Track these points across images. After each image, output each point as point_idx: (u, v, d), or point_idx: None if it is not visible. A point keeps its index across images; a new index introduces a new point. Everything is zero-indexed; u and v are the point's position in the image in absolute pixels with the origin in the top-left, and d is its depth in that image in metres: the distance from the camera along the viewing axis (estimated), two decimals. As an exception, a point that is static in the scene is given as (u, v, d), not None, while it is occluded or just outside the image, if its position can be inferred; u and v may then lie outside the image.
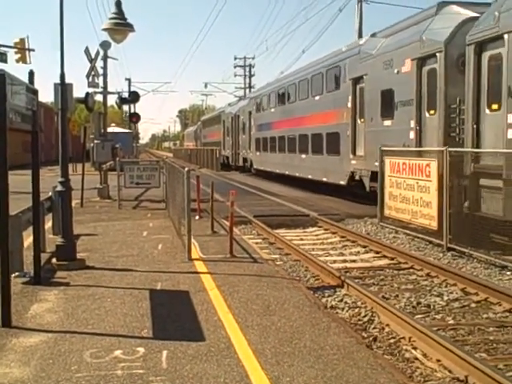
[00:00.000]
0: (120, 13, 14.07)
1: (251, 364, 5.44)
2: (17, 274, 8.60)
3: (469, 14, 13.56)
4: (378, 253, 12.04)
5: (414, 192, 13.53)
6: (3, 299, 6.55)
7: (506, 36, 11.28)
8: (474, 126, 12.45)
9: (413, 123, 15.08)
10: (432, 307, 8.14)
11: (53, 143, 63.99)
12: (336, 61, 21.11)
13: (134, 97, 27.32)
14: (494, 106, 11.93)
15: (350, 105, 19.33)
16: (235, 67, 66.42)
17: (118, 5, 14.02)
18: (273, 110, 30.71)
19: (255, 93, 38.99)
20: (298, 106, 25.83)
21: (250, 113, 36.41)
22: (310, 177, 24.11)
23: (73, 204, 10.97)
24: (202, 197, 16.12)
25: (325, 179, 22.19)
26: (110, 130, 31.69)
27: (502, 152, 11.26)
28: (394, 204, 14.61)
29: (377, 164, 15.92)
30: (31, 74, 29.51)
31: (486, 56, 12.14)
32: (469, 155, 12.17)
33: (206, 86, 70.70)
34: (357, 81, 18.87)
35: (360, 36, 28.55)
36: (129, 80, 55.48)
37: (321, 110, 22.68)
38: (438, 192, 12.44)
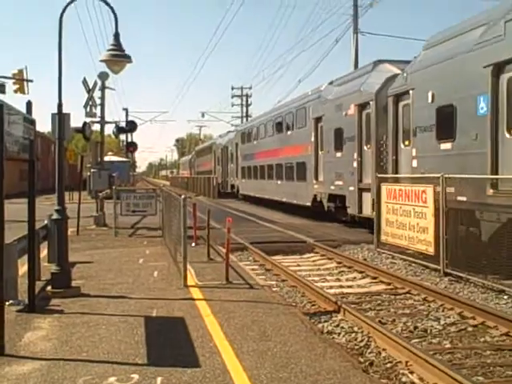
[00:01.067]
0: (118, 44, 14.24)
1: (246, 390, 5.38)
2: (11, 301, 8.55)
3: (394, 71, 17.23)
4: (374, 278, 12.01)
5: (410, 218, 13.55)
6: (-3, 327, 6.51)
7: (411, 92, 14.97)
8: (393, 158, 16.43)
9: (355, 155, 18.72)
10: (429, 331, 8.10)
11: (50, 171, 64.07)
12: (303, 102, 25.00)
13: (131, 126, 27.55)
14: (406, 143, 15.76)
15: (313, 139, 23.26)
16: (232, 97, 67.12)
17: (116, 37, 14.18)
18: (255, 142, 34.98)
19: (241, 126, 43.59)
20: (274, 140, 29.89)
21: (237, 144, 40.32)
22: (284, 199, 27.71)
23: (69, 232, 10.95)
24: (198, 224, 16.11)
25: (295, 201, 25.80)
26: (106, 158, 31.84)
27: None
28: (390, 230, 14.61)
29: (332, 187, 20.67)
30: (29, 104, 29.71)
31: (400, 105, 16.10)
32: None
33: (203, 115, 71.54)
34: (318, 120, 22.72)
35: (356, 66, 29.09)
36: (126, 110, 55.75)
37: (292, 144, 26.51)
38: (434, 218, 12.47)
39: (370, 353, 7.18)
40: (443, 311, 9.19)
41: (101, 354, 6.50)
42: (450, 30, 13.93)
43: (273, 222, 23.15)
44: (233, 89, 67.07)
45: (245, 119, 62.71)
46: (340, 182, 20.01)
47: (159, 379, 5.67)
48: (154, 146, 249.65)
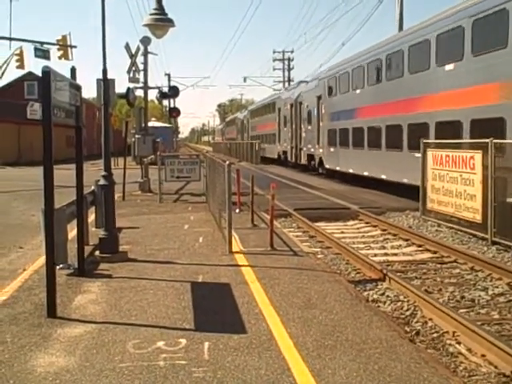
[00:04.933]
0: (160, 8, 14.19)
1: (292, 357, 5.42)
2: (61, 265, 8.77)
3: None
4: (420, 246, 11.87)
5: (457, 185, 13.29)
6: (48, 290, 6.69)
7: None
8: None
9: None
10: (476, 301, 7.99)
11: (94, 138, 64.96)
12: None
13: (173, 92, 27.57)
14: None
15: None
16: (274, 61, 66.21)
17: (159, 1, 14.16)
18: (357, 91, 23.35)
19: (325, 72, 29.24)
20: (400, 85, 19.04)
21: (319, 97, 29.00)
22: (405, 181, 17.99)
23: (115, 198, 11.10)
24: (242, 190, 16.15)
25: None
26: (150, 124, 32.00)
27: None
28: (436, 197, 14.38)
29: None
30: (73, 70, 29.98)
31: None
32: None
33: (245, 79, 71.12)
34: None
35: (401, 27, 27.84)
36: (168, 75, 55.93)
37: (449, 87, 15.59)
38: (482, 185, 12.19)
39: (416, 322, 7.13)
40: (491, 281, 9.04)
41: (149, 319, 6.63)
42: None
43: (315, 187, 23.03)
44: (274, 52, 66.11)
45: (287, 84, 62.06)
46: None
47: (206, 344, 5.75)
48: (196, 112, 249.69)
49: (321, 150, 29.02)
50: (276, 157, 41.21)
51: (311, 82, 32.17)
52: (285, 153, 38.49)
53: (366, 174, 22.19)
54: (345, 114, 24.77)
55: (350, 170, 24.07)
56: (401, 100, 18.90)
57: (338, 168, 25.99)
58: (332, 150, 26.75)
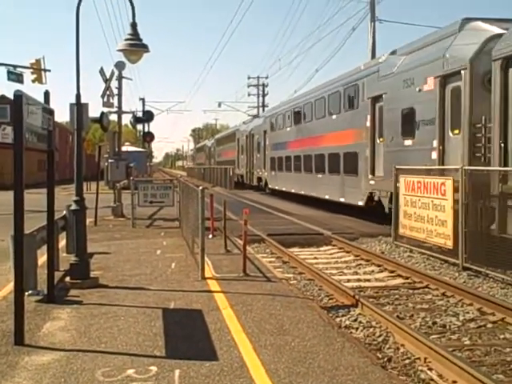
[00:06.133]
0: (135, 34, 14.25)
1: (264, 384, 5.37)
2: (30, 292, 8.61)
3: (493, 30, 13.24)
4: (392, 272, 11.93)
5: (428, 211, 13.44)
6: (16, 317, 6.55)
7: None
8: (502, 145, 11.94)
9: (435, 143, 14.76)
10: (448, 327, 8.03)
11: (67, 162, 64.52)
12: (354, 79, 20.73)
13: (148, 116, 27.60)
14: None
15: (368, 124, 19.07)
16: (249, 86, 66.76)
17: (134, 26, 14.18)
18: (288, 129, 30.37)
19: (270, 111, 37.91)
20: (314, 126, 25.69)
21: (265, 132, 35.99)
22: (326, 197, 23.78)
23: (87, 222, 10.99)
24: (215, 215, 16.12)
25: (342, 200, 21.96)
26: (124, 148, 31.93)
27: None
28: (408, 223, 14.51)
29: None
30: (47, 94, 29.80)
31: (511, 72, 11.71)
32: (496, 174, 11.78)
33: (219, 105, 71.05)
34: (375, 100, 18.66)
35: (373, 55, 28.58)
36: (143, 99, 55.83)
37: (338, 130, 22.60)
38: (453, 211, 12.35)
39: (388, 348, 7.13)
40: (462, 306, 9.11)
41: (119, 346, 6.53)
42: None
43: (289, 213, 23.08)
44: (249, 78, 66.75)
45: (261, 109, 62.49)
46: None
47: (177, 372, 5.68)
48: (170, 136, 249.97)
49: (266, 174, 36.24)
50: (235, 179, 45.75)
51: (260, 119, 40.68)
52: (242, 176, 44.95)
53: (293, 190, 29.21)
54: (280, 145, 31.94)
55: (283, 188, 31.18)
56: (311, 137, 26.13)
57: (276, 187, 33.09)
58: (273, 173, 34.03)
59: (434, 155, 14.71)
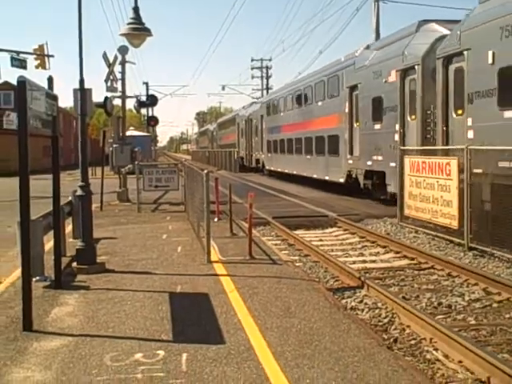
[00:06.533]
0: (137, 18, 14.20)
1: (271, 366, 5.42)
2: (38, 278, 8.68)
3: (442, 31, 15.59)
4: (398, 253, 11.96)
5: (433, 191, 13.42)
6: (24, 303, 6.61)
7: (465, 52, 13.29)
8: (444, 128, 14.69)
9: (397, 127, 17.40)
10: (453, 308, 8.06)
11: (72, 147, 64.60)
12: (336, 70, 23.48)
13: (152, 100, 27.54)
14: (459, 112, 14.01)
15: (347, 110, 21.78)
16: (252, 69, 66.51)
17: (136, 10, 14.16)
18: (281, 114, 33.14)
19: (266, 97, 41.46)
20: (303, 111, 28.45)
21: (262, 116, 38.36)
22: (314, 176, 26.45)
23: (92, 208, 11.03)
24: (220, 198, 16.14)
25: (327, 178, 24.63)
26: (128, 133, 31.88)
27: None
28: (413, 203, 14.50)
29: (370, 163, 19.25)
30: (50, 79, 29.73)
31: (451, 69, 14.30)
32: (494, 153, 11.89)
33: (223, 88, 70.92)
34: (352, 89, 21.21)
35: (377, 36, 28.42)
36: (146, 84, 55.54)
37: (323, 115, 25.30)
38: (458, 191, 12.33)
39: (394, 329, 7.17)
40: (467, 287, 9.13)
41: (127, 331, 6.58)
42: None
43: (294, 195, 23.10)
44: (252, 60, 66.49)
45: (265, 92, 62.27)
46: (379, 157, 18.46)
47: (184, 355, 5.73)
48: (174, 120, 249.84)
49: (263, 156, 38.80)
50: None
51: (258, 104, 43.00)
52: (242, 158, 46.89)
53: (286, 171, 31.89)
54: (275, 129, 34.46)
55: (278, 169, 33.81)
56: (301, 122, 28.46)
57: (272, 168, 35.87)
58: (269, 155, 36.60)
59: (397, 137, 17.27)
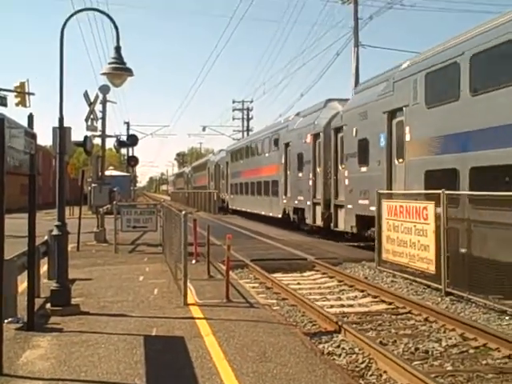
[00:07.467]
0: (119, 57, 14.29)
1: (246, 413, 5.32)
2: (10, 319, 8.49)
3: (339, 108, 22.04)
4: (375, 297, 11.94)
5: (411, 235, 13.50)
6: (-5, 346, 6.45)
7: (344, 127, 20.45)
8: (334, 177, 21.76)
9: (311, 175, 23.94)
10: (430, 353, 8.03)
11: (51, 186, 63.98)
12: (277, 129, 30.62)
13: (132, 140, 27.53)
14: (342, 166, 20.95)
15: (283, 161, 28.61)
16: (233, 110, 67.21)
17: (118, 50, 14.25)
18: (241, 161, 40.16)
19: (230, 147, 48.36)
20: (255, 160, 35.62)
21: (227, 163, 45.21)
22: (262, 212, 32.62)
23: (69, 248, 10.90)
24: (198, 240, 16.06)
25: (270, 214, 30.90)
26: (107, 173, 31.78)
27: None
28: (391, 247, 14.56)
29: (296, 202, 26.07)
30: (30, 117, 29.74)
31: (338, 137, 21.44)
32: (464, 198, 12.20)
33: (204, 129, 71.18)
34: (287, 145, 28.05)
35: (357, 79, 29.23)
36: (127, 123, 55.93)
37: (267, 164, 32.05)
38: (435, 235, 12.42)
39: (371, 375, 7.12)
40: (445, 332, 9.13)
41: (99, 374, 6.45)
42: (370, 81, 19.15)
43: (271, 237, 23.08)
44: (234, 102, 67.30)
45: (245, 133, 62.80)
46: (301, 198, 25.20)
47: (158, 401, 5.61)
48: (155, 161, 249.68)
49: (227, 197, 45.17)
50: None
51: (224, 151, 49.57)
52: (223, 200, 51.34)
53: (243, 209, 38.22)
54: (236, 174, 41.37)
55: (238, 208, 40.17)
56: (254, 169, 35.14)
57: (234, 207, 42.25)
58: (232, 196, 43.22)
59: (310, 183, 23.93)
